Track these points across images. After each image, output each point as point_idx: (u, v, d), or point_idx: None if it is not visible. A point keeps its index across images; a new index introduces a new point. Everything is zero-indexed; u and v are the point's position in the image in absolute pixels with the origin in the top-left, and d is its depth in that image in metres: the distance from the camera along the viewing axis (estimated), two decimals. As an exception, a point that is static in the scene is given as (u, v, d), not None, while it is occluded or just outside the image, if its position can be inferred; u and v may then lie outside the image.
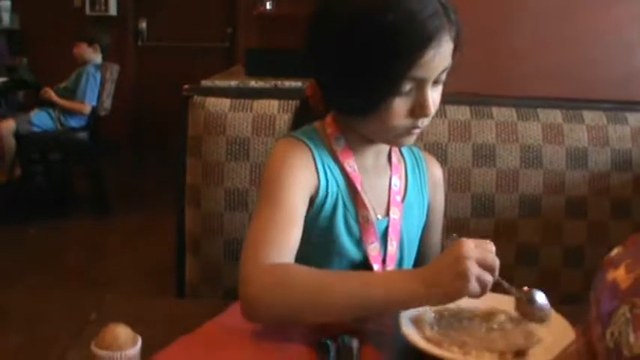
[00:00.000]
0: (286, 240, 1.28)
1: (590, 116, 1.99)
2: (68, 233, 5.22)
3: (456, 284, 1.13)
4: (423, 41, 1.23)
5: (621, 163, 1.96)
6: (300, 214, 1.33)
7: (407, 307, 1.21)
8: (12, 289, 4.07)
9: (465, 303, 1.23)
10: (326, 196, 1.39)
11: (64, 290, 4.01)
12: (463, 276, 1.12)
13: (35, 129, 5.42)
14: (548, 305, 1.23)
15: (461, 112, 1.94)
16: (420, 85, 1.28)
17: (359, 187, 1.41)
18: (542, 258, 1.95)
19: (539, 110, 1.98)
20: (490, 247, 1.17)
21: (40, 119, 5.44)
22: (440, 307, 1.22)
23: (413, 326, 1.17)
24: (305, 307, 1.20)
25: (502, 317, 1.23)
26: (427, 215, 1.57)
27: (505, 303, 1.25)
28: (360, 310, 1.21)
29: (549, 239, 1.95)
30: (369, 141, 1.42)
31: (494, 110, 1.96)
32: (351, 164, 1.41)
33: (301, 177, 1.36)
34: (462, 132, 1.92)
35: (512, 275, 1.92)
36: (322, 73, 1.39)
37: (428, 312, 1.22)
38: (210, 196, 1.88)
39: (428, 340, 1.13)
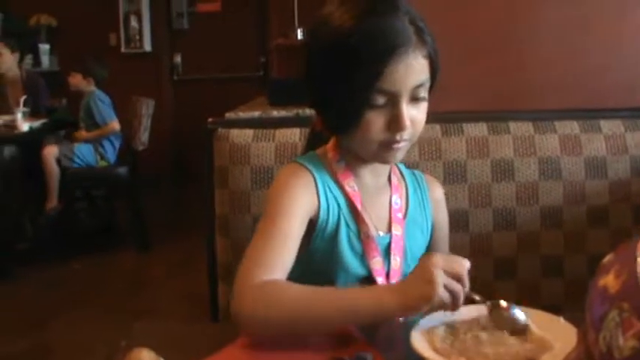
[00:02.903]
0: (279, 260, 1.34)
1: (607, 125, 2.00)
2: (111, 267, 5.29)
3: (424, 291, 1.19)
4: (385, 54, 1.32)
5: (641, 170, 1.98)
6: (296, 236, 1.39)
7: (382, 317, 1.28)
8: (58, 323, 4.12)
9: (476, 314, 1.27)
10: (327, 217, 1.45)
11: (109, 323, 4.05)
12: (430, 282, 1.19)
13: (77, 161, 5.53)
14: (523, 316, 1.26)
15: (478, 129, 1.97)
16: (394, 99, 1.35)
17: (359, 206, 1.47)
18: (566, 269, 1.96)
19: (555, 122, 2.00)
20: (461, 260, 1.23)
21: (82, 151, 5.56)
22: (451, 320, 1.26)
23: (424, 339, 1.21)
24: (292, 321, 1.26)
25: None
26: (432, 233, 1.63)
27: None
28: (338, 323, 1.28)
29: (573, 250, 1.96)
30: (365, 161, 1.49)
31: (511, 125, 1.99)
32: (350, 184, 1.48)
33: (301, 200, 1.43)
34: (480, 148, 1.95)
35: (539, 288, 1.96)
36: (313, 97, 1.49)
37: (439, 325, 1.25)
38: (239, 225, 1.93)
39: (437, 352, 1.16)
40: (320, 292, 1.29)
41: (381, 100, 1.35)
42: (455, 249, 1.62)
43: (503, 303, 1.28)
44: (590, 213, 1.96)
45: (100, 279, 5.04)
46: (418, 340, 1.20)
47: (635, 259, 0.85)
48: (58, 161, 5.47)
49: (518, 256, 1.95)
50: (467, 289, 1.22)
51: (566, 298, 1.96)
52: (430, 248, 1.62)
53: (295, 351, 1.25)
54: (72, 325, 4.12)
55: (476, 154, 1.94)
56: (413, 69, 1.35)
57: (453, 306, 1.22)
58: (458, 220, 1.87)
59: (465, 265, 1.22)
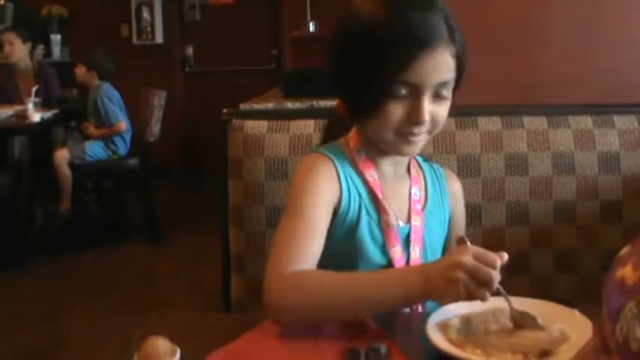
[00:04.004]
0: (308, 250, 1.36)
1: (620, 120, 2.00)
2: (123, 259, 5.31)
3: (444, 289, 1.19)
4: (415, 45, 1.33)
5: (654, 165, 1.98)
6: (323, 225, 1.41)
7: (410, 303, 1.34)
8: (70, 316, 4.14)
9: (492, 306, 1.28)
10: (349, 206, 1.46)
11: (120, 316, 4.06)
12: (451, 283, 1.17)
13: (88, 158, 5.55)
14: (537, 320, 1.25)
15: (492, 123, 1.97)
16: (416, 92, 1.37)
17: (379, 195, 1.49)
18: (579, 264, 1.96)
19: (569, 117, 2.00)
20: (493, 260, 1.18)
21: (93, 149, 5.57)
22: (467, 312, 1.27)
23: (439, 330, 1.21)
24: (323, 309, 1.28)
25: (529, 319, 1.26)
26: (449, 226, 1.64)
27: (533, 305, 1.29)
28: (370, 309, 1.30)
29: (586, 245, 1.96)
30: (386, 152, 1.50)
31: (525, 119, 1.99)
32: (371, 174, 1.50)
33: (324, 189, 1.44)
34: (494, 142, 1.95)
35: (551, 283, 1.96)
36: (340, 83, 1.50)
37: (455, 317, 1.26)
38: (252, 216, 1.93)
39: (452, 343, 1.17)
40: (348, 280, 1.31)
41: (404, 91, 1.36)
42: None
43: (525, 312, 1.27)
44: (603, 208, 1.96)
45: (112, 271, 5.05)
46: (433, 331, 1.21)
47: (653, 252, 0.85)
48: (70, 163, 5.49)
49: (531, 251, 1.95)
50: (494, 289, 1.19)
51: (578, 293, 1.95)
52: (446, 241, 1.62)
53: (311, 341, 1.26)
54: (85, 316, 4.14)
55: (490, 148, 1.94)
56: (440, 66, 1.36)
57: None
58: (471, 214, 1.87)
59: (497, 265, 1.17)
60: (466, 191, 1.76)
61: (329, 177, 1.46)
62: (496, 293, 1.22)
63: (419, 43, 1.33)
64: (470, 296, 1.18)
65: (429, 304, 1.51)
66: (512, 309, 1.26)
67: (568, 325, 1.22)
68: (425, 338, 1.19)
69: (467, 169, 1.92)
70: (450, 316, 1.26)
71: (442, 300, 1.25)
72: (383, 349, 1.15)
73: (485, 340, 1.17)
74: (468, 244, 1.25)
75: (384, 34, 1.35)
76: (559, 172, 1.95)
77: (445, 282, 1.19)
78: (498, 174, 1.94)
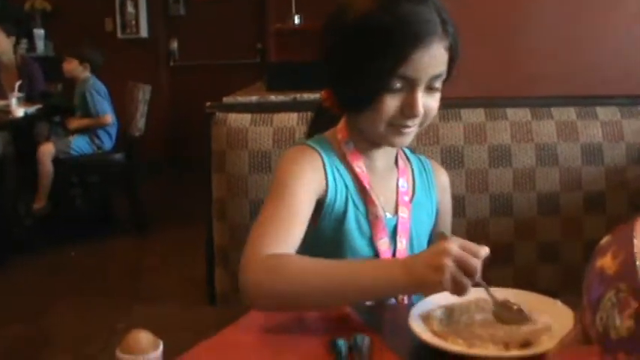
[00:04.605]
0: (287, 234, 1.35)
1: (603, 112, 2.01)
2: (109, 254, 5.29)
3: (430, 277, 1.17)
4: (411, 41, 1.34)
5: (636, 156, 1.98)
6: (305, 213, 1.40)
7: (389, 294, 1.33)
8: (56, 310, 4.13)
9: (475, 296, 1.28)
10: (335, 197, 1.47)
11: (107, 309, 4.04)
12: (438, 270, 1.16)
13: (73, 153, 5.52)
14: (524, 312, 1.24)
15: (475, 115, 1.98)
16: (411, 85, 1.37)
17: (367, 186, 1.49)
18: (562, 255, 1.97)
19: (552, 109, 2.01)
20: (477, 251, 1.18)
21: (78, 144, 5.54)
22: (449, 303, 1.27)
23: (422, 322, 1.21)
24: (299, 294, 1.26)
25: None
26: (436, 218, 1.64)
27: (515, 296, 1.29)
28: (347, 298, 1.29)
29: (569, 236, 1.97)
30: (375, 144, 1.50)
31: (509, 111, 1.99)
32: (359, 165, 1.50)
33: (308, 178, 1.44)
34: (477, 134, 1.96)
35: (535, 274, 1.97)
36: (331, 75, 1.49)
37: (437, 308, 1.26)
38: (236, 209, 1.93)
39: (435, 334, 1.17)
40: (327, 266, 1.29)
41: (399, 84, 1.37)
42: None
43: (509, 303, 1.26)
44: (586, 199, 1.97)
45: (97, 265, 5.04)
46: (416, 322, 1.21)
47: (632, 240, 0.85)
48: (55, 157, 5.44)
49: (515, 242, 1.96)
50: (477, 279, 1.19)
51: (562, 284, 1.96)
52: (432, 233, 1.63)
53: (294, 333, 1.26)
54: (71, 311, 4.13)
55: (473, 140, 1.95)
56: (435, 59, 1.37)
57: (458, 295, 1.19)
58: (454, 206, 1.85)
59: (481, 255, 1.18)
60: (450, 183, 1.76)
61: (314, 167, 1.46)
62: (476, 285, 1.22)
63: (415, 39, 1.34)
64: (454, 284, 1.17)
65: (415, 296, 1.51)
66: (495, 303, 1.25)
67: (550, 316, 1.22)
68: (408, 329, 1.19)
69: (450, 161, 1.93)
70: (432, 307, 1.26)
71: (426, 289, 1.23)
72: (366, 340, 1.15)
73: (467, 331, 1.17)
74: (450, 236, 1.25)
75: (380, 28, 1.35)
76: (542, 163, 1.95)
77: (431, 269, 1.17)
78: (482, 165, 1.94)
